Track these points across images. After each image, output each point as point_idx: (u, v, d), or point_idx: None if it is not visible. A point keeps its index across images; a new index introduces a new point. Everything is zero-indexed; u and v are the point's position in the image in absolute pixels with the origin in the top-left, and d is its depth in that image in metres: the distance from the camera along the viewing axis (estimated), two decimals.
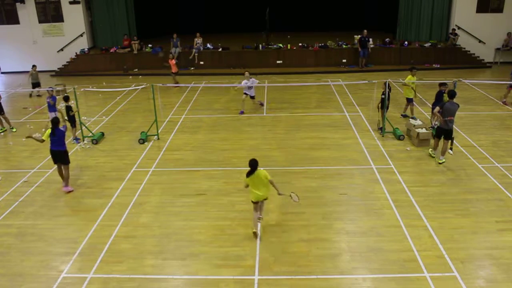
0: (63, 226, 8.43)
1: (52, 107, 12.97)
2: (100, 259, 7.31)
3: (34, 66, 17.68)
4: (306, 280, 6.71)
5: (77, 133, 12.67)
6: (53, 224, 8.48)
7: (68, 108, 12.37)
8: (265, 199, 7.81)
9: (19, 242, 7.91)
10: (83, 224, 8.39)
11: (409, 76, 13.20)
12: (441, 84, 12.01)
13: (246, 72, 14.77)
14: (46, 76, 21.73)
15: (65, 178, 9.58)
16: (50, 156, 9.64)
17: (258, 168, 7.52)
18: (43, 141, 9.62)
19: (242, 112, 14.79)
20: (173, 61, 18.45)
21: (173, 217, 8.54)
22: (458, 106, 10.40)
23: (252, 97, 15.00)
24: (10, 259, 7.42)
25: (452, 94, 10.44)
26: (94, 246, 7.68)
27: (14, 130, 13.87)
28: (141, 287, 6.68)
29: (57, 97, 16.92)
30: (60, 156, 9.49)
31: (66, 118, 12.39)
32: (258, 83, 15.24)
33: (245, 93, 14.81)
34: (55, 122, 9.46)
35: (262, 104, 15.57)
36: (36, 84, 17.55)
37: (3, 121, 13.89)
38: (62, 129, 9.48)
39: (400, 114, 14.06)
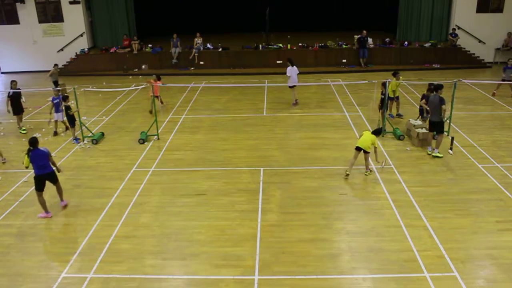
0: (63, 226, 8.44)
1: (59, 107, 12.97)
2: (100, 259, 7.31)
3: (56, 65, 17.64)
4: (306, 280, 6.71)
5: (76, 133, 12.68)
6: (53, 224, 8.49)
7: (67, 108, 12.39)
8: (364, 152, 9.85)
9: (19, 242, 7.91)
10: (83, 224, 8.39)
11: (394, 81, 13.28)
12: (429, 85, 12.27)
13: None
14: (45, 76, 21.72)
15: (60, 194, 8.96)
16: (35, 183, 8.51)
17: (370, 132, 9.97)
18: (26, 168, 8.65)
19: (296, 102, 15.58)
20: (158, 82, 14.41)
21: (173, 217, 8.54)
22: (441, 99, 10.58)
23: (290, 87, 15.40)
24: (10, 259, 7.42)
25: (436, 87, 10.87)
26: (94, 246, 7.67)
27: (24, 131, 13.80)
28: (141, 287, 6.68)
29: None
30: (48, 178, 8.64)
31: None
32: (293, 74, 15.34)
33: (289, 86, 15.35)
34: (32, 142, 8.39)
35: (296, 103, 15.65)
36: (56, 83, 16.60)
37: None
38: (43, 149, 8.49)
39: (395, 114, 14.07)
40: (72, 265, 7.18)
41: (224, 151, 11.63)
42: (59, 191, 8.99)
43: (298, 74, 15.36)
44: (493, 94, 16.10)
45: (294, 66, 15.15)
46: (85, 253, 7.49)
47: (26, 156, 8.42)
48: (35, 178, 8.52)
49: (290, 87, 15.36)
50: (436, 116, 10.74)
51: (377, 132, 10.06)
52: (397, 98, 13.73)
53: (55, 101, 12.94)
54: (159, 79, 14.68)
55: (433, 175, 10.01)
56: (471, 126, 13.01)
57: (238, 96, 17.03)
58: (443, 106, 10.53)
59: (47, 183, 8.70)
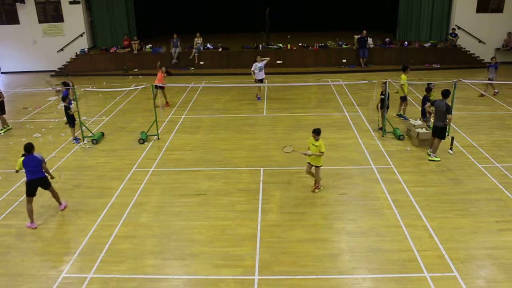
0: (63, 226, 8.44)
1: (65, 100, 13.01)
2: (100, 259, 7.31)
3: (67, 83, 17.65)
4: (306, 280, 6.71)
5: (76, 133, 12.67)
6: (53, 224, 8.49)
7: (66, 108, 12.39)
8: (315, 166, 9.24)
9: (19, 242, 7.91)
10: (83, 224, 8.39)
11: (403, 75, 13.28)
12: (427, 89, 12.26)
13: (258, 57, 16.14)
14: (46, 77, 21.74)
15: (56, 198, 8.82)
16: (26, 188, 8.32)
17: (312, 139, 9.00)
18: (17, 171, 8.48)
19: (259, 98, 16.38)
20: (163, 74, 15.42)
21: (173, 217, 8.54)
22: (448, 107, 10.47)
23: (261, 80, 16.05)
24: (10, 259, 7.42)
25: (444, 94, 10.69)
26: (94, 246, 7.68)
27: (9, 127, 13.94)
28: (141, 287, 6.68)
29: (56, 97, 16.88)
30: (40, 184, 8.46)
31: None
32: (267, 61, 16.32)
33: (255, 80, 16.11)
34: (28, 148, 8.29)
35: (259, 99, 16.46)
36: (65, 83, 16.99)
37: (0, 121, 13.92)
38: (37, 156, 8.36)
39: (395, 114, 14.05)
40: (72, 265, 7.18)
41: (224, 151, 11.63)
42: (54, 195, 8.81)
43: (264, 62, 16.30)
44: (481, 95, 16.16)
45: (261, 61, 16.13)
46: (85, 253, 7.50)
47: (21, 159, 8.28)
48: (27, 183, 8.33)
49: (261, 80, 16.15)
50: (440, 122, 10.62)
51: (317, 133, 8.77)
52: (405, 98, 13.66)
53: (63, 94, 13.02)
54: (166, 72, 15.63)
55: (433, 175, 10.00)
56: (471, 126, 13.01)
57: (238, 96, 17.03)
58: (450, 116, 10.41)
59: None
